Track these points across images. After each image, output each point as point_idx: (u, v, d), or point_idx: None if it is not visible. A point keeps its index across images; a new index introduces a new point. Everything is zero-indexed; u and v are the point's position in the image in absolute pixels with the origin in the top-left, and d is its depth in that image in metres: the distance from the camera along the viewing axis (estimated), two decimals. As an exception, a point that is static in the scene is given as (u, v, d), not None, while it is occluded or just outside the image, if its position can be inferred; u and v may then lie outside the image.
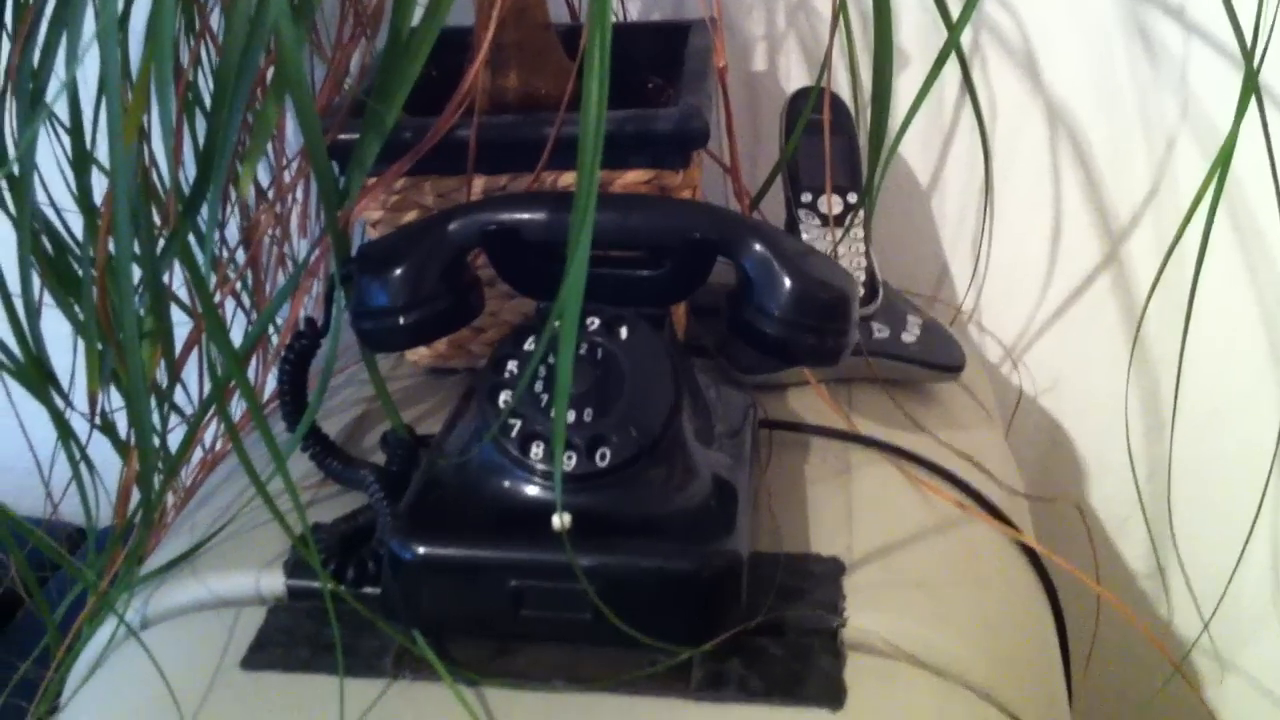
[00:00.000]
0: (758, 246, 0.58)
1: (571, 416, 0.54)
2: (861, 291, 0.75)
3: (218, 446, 0.78)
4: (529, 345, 0.57)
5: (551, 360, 0.55)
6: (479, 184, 0.67)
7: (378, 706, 0.51)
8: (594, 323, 0.57)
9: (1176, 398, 0.92)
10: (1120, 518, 1.01)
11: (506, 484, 0.54)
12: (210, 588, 0.59)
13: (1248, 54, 0.65)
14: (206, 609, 0.58)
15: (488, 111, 0.70)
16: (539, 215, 0.59)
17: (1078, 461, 1.00)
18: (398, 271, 0.58)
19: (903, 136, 0.65)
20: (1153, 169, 0.88)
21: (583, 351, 0.56)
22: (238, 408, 0.81)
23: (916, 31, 0.86)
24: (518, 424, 0.54)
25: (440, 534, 0.53)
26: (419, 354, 0.75)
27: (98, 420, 0.66)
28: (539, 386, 0.55)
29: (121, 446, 0.71)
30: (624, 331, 0.56)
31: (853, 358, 0.72)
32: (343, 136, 0.64)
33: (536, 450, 0.54)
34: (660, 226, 0.59)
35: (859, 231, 0.77)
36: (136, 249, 0.50)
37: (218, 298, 0.79)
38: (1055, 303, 0.94)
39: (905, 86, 0.89)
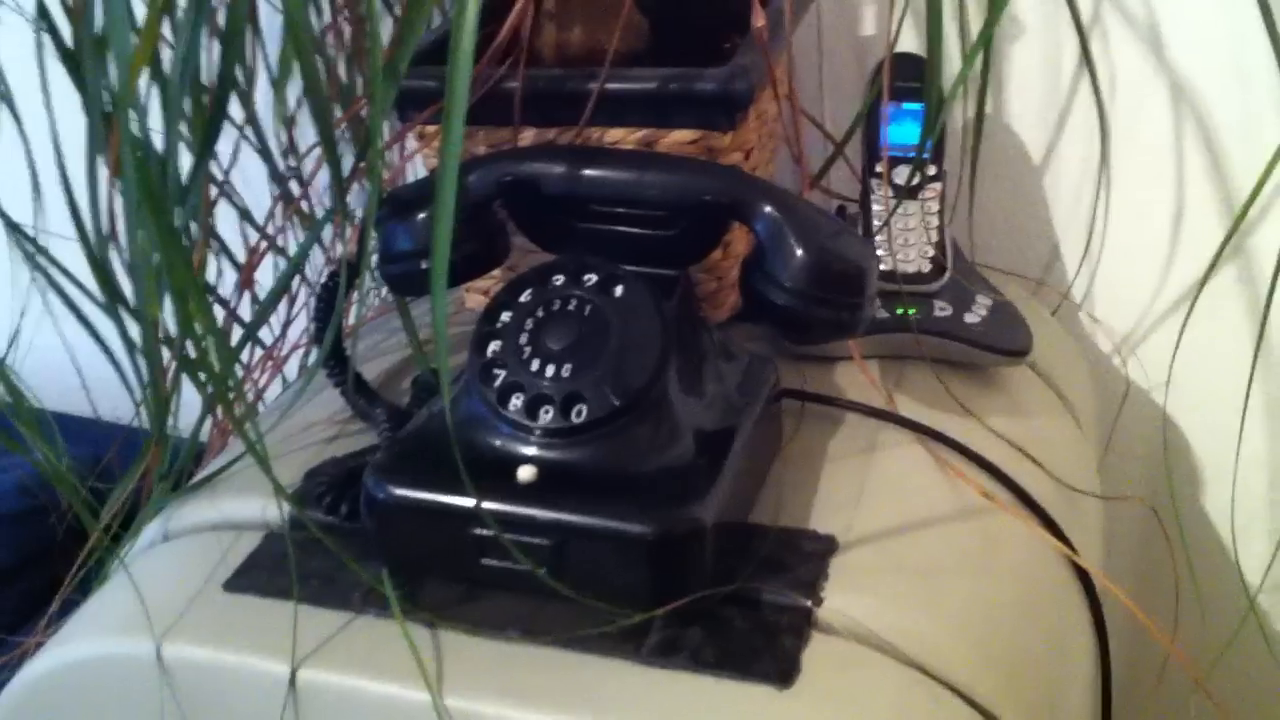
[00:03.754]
0: (769, 210, 0.56)
1: (551, 370, 0.54)
2: (929, 268, 0.72)
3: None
4: (525, 297, 0.57)
5: (540, 314, 0.56)
6: (528, 136, 0.68)
7: (336, 639, 0.53)
8: (591, 279, 0.56)
9: (1247, 398, 0.85)
10: (1238, 527, 0.94)
11: (484, 433, 0.54)
12: (221, 510, 0.61)
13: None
14: (221, 529, 0.61)
15: (554, 64, 0.70)
16: (556, 168, 0.59)
17: (1192, 464, 0.94)
18: (420, 217, 0.59)
19: (950, 102, 0.61)
20: (1287, 154, 0.81)
21: (571, 307, 0.55)
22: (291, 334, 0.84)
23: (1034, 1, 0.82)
24: (501, 374, 0.55)
25: (413, 477, 0.54)
26: (477, 300, 0.76)
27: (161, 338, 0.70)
28: (524, 339, 0.55)
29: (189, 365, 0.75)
30: (619, 290, 0.56)
31: (905, 335, 0.70)
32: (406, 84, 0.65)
33: (515, 402, 0.54)
34: (669, 186, 0.58)
35: (934, 205, 0.74)
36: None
37: (279, 220, 0.82)
38: (1175, 293, 0.88)
39: (1020, 56, 0.84)
